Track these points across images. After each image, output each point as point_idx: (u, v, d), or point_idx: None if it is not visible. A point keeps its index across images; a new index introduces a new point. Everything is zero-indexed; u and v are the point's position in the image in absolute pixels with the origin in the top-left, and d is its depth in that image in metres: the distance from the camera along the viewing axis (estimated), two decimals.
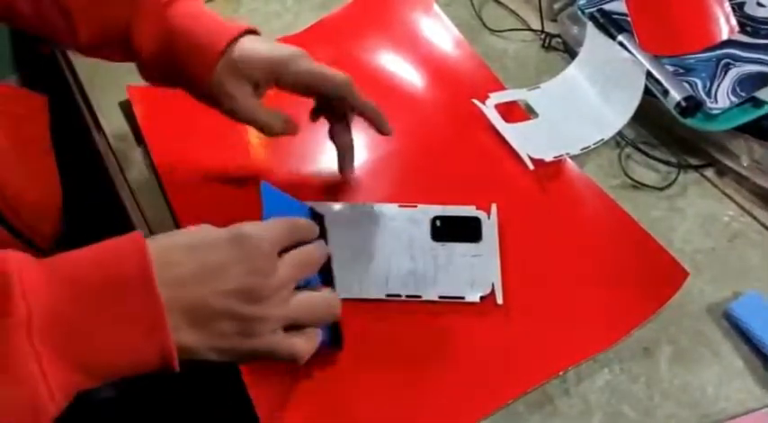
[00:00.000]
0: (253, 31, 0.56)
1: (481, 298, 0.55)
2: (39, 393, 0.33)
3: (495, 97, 0.70)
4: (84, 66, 0.77)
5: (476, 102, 0.69)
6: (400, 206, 0.61)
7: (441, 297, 0.55)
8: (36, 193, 0.57)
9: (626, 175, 0.66)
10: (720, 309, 0.57)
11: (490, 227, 0.59)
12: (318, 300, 0.46)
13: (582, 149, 0.66)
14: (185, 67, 0.54)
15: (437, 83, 0.73)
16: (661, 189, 0.65)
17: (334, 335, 0.51)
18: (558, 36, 0.77)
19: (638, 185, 0.65)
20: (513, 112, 0.70)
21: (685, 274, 0.56)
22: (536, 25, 0.78)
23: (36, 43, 0.62)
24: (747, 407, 0.52)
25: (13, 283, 0.34)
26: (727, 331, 0.56)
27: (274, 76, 0.55)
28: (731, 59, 0.65)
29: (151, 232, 0.64)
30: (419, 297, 0.55)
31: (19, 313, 0.33)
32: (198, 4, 0.56)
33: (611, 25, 0.69)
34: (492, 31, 0.79)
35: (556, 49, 0.77)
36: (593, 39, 0.70)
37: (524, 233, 0.60)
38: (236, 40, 0.53)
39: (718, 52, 0.66)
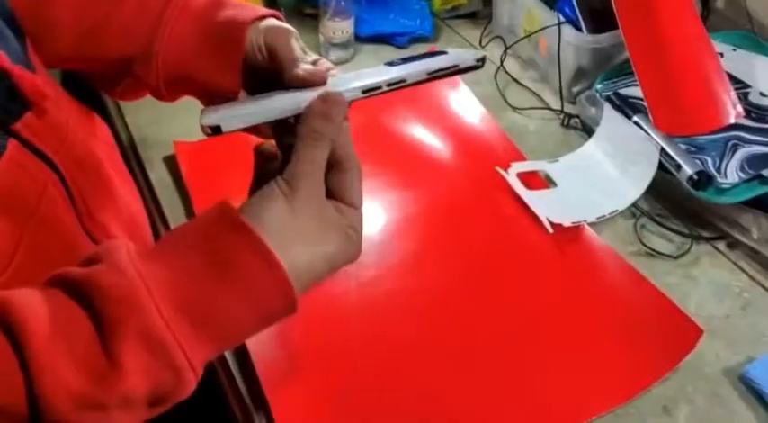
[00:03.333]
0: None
1: (477, 61, 0.43)
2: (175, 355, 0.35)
3: (517, 167, 0.75)
4: (133, 120, 0.83)
5: (499, 169, 0.74)
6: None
7: (430, 74, 0.44)
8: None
9: (641, 243, 0.69)
10: (736, 372, 0.58)
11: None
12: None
13: (598, 218, 0.70)
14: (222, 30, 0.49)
15: (463, 152, 0.78)
16: (675, 258, 0.68)
17: None
18: (577, 116, 0.83)
19: (653, 253, 0.68)
20: (533, 180, 0.75)
21: (700, 332, 0.58)
22: (556, 106, 0.85)
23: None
24: None
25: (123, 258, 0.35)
26: (743, 394, 0.57)
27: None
28: (738, 141, 0.70)
29: None
30: (403, 82, 0.43)
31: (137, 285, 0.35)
32: None
33: (626, 107, 0.75)
34: (515, 108, 0.85)
35: (574, 127, 0.83)
36: (610, 118, 0.76)
37: (545, 292, 0.63)
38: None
39: (727, 134, 0.71)
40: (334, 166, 0.41)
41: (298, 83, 0.44)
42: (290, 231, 0.38)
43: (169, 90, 0.52)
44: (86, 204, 0.48)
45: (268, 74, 0.47)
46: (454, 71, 0.43)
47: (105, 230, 0.50)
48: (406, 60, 0.46)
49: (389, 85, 0.42)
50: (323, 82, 0.43)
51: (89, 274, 0.35)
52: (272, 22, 0.49)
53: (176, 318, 0.35)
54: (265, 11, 0.50)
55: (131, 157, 0.79)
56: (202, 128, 0.41)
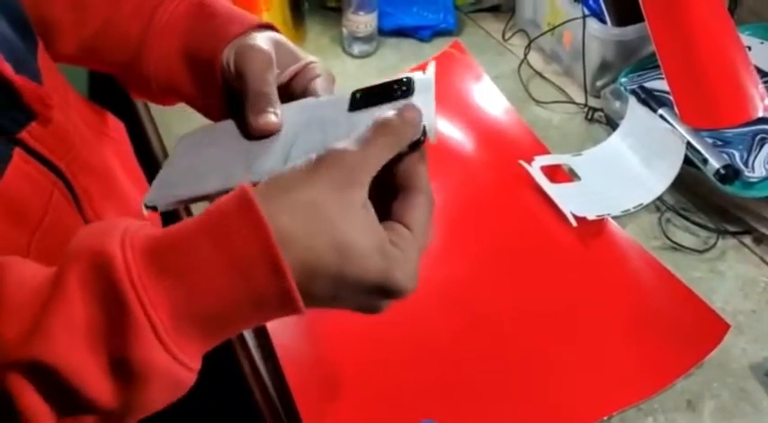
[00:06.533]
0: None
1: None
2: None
3: (541, 160, 0.75)
4: (160, 114, 0.84)
5: (522, 163, 0.74)
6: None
7: None
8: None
9: (666, 237, 0.68)
10: (762, 367, 0.58)
11: (425, 81, 0.41)
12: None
13: (622, 212, 0.70)
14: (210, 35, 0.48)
15: (486, 145, 0.78)
16: (701, 252, 0.67)
17: None
18: (601, 110, 0.82)
19: (679, 248, 0.68)
20: (557, 174, 0.74)
21: (726, 327, 0.58)
22: (580, 99, 0.84)
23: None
24: None
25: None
26: None
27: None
28: (766, 134, 0.69)
29: None
30: None
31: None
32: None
33: (652, 100, 0.75)
34: (538, 102, 0.85)
35: (598, 121, 0.82)
36: (635, 111, 0.75)
37: (569, 285, 0.63)
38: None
39: (754, 128, 0.70)
40: (401, 190, 0.37)
41: (249, 129, 0.43)
42: (300, 194, 0.33)
43: (164, 97, 0.52)
44: (94, 208, 0.48)
45: (239, 91, 0.45)
46: None
47: None
48: (367, 96, 0.42)
49: None
50: (273, 130, 0.42)
51: (83, 228, 0.34)
52: (249, 41, 0.46)
53: (136, 247, 0.31)
54: (254, 21, 0.48)
55: (158, 150, 0.80)
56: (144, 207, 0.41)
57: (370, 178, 0.34)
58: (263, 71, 0.44)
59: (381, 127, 0.35)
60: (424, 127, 0.37)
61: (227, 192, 0.34)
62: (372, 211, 0.35)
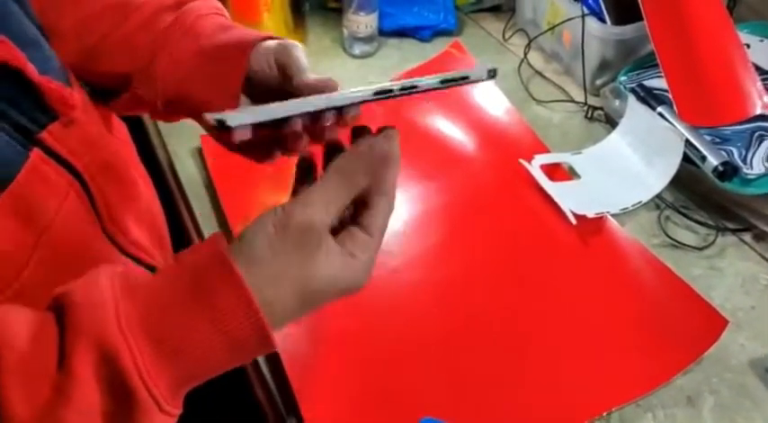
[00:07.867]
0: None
1: (489, 72, 0.42)
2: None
3: (541, 158, 0.75)
4: None
5: (522, 161, 0.74)
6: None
7: (443, 82, 0.42)
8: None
9: (666, 234, 0.69)
10: (762, 364, 0.58)
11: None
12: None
13: (621, 209, 0.70)
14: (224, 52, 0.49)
15: (487, 144, 0.79)
16: (700, 249, 0.67)
17: None
18: (601, 108, 0.82)
19: (678, 245, 0.68)
20: (556, 172, 0.75)
21: (725, 323, 0.58)
22: (579, 98, 0.84)
23: None
24: None
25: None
26: None
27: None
28: (764, 132, 0.69)
29: None
30: (415, 88, 0.42)
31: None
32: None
33: (651, 98, 0.75)
34: (538, 101, 0.86)
35: (598, 120, 0.83)
36: (635, 109, 0.76)
37: (569, 283, 0.64)
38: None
39: (753, 125, 0.70)
40: (368, 190, 0.40)
41: (307, 89, 0.44)
42: (269, 268, 0.37)
43: (167, 110, 0.52)
44: (108, 208, 0.48)
45: (281, 93, 0.45)
46: (464, 82, 0.43)
47: (126, 233, 0.51)
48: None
49: (402, 89, 0.42)
50: (334, 87, 0.43)
51: (69, 288, 0.35)
52: (279, 41, 0.48)
53: (136, 331, 0.34)
54: (270, 34, 0.49)
55: (159, 147, 0.81)
56: (208, 120, 0.39)
57: (331, 220, 0.38)
58: (302, 60, 0.46)
59: (335, 175, 0.38)
60: (495, 69, 0.41)
61: (304, 115, 0.40)
62: (332, 244, 0.38)
